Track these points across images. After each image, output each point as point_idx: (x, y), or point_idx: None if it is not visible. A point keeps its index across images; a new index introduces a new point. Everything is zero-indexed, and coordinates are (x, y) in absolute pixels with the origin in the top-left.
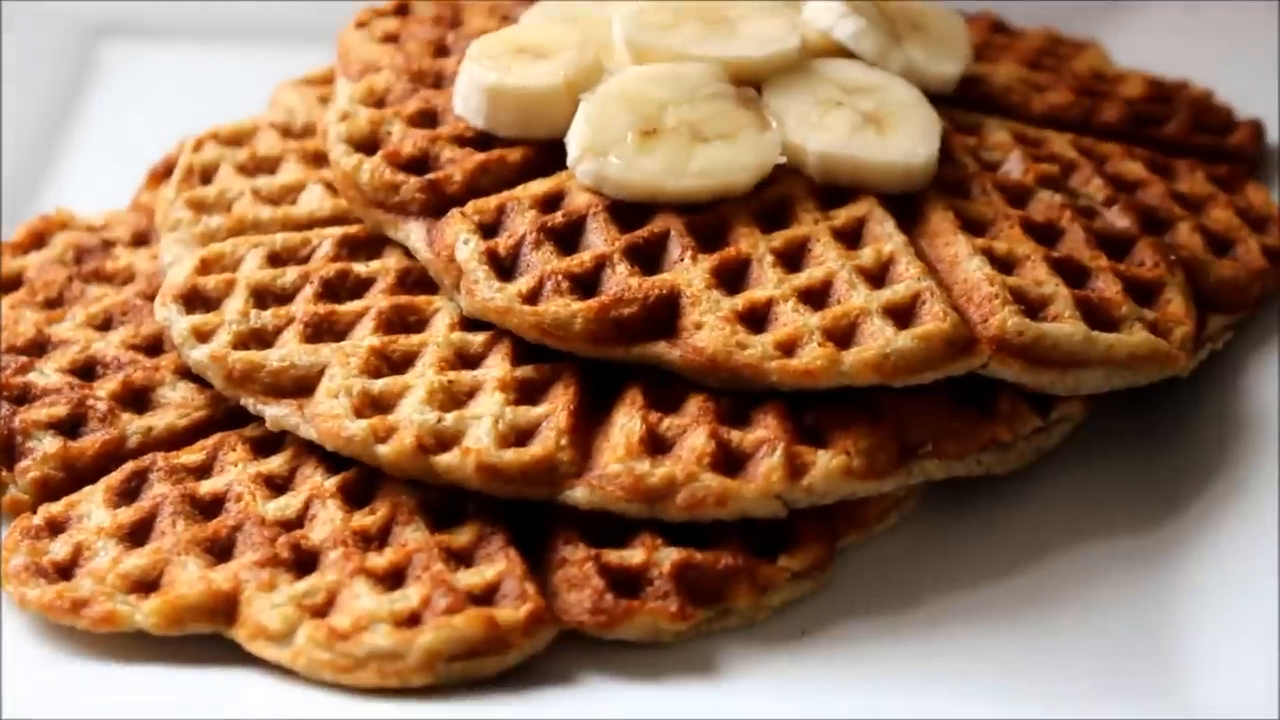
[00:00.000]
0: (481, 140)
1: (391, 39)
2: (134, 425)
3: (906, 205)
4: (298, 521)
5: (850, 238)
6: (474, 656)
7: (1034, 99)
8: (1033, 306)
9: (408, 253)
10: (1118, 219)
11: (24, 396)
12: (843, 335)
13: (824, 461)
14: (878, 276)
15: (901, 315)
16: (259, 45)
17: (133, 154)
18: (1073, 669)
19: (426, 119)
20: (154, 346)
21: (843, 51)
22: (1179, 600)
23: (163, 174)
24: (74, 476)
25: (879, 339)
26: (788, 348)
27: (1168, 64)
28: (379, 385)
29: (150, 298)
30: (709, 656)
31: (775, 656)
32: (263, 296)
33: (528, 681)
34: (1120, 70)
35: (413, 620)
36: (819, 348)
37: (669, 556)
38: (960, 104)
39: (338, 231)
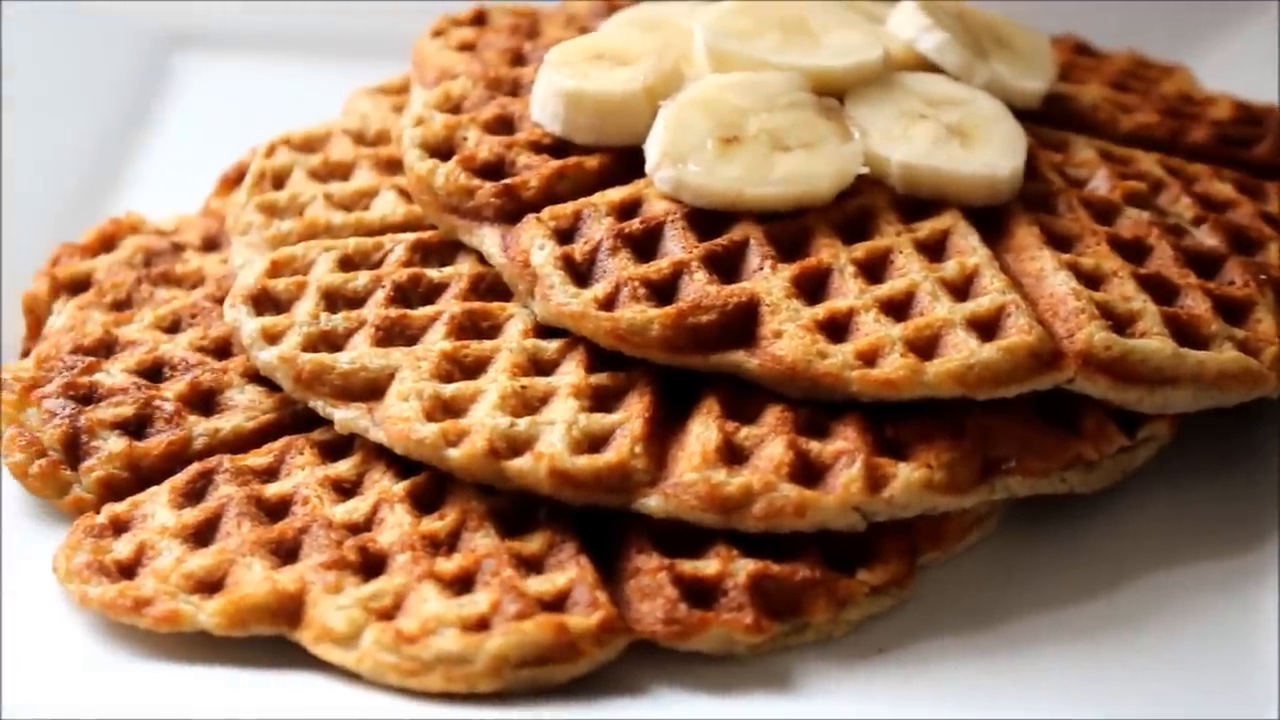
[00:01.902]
0: (558, 147)
1: (468, 48)
2: (200, 427)
3: (990, 219)
4: (365, 525)
5: (933, 250)
6: (543, 663)
7: (1121, 118)
8: (1120, 322)
9: (481, 259)
10: (1206, 238)
11: (90, 396)
12: (925, 346)
13: (905, 474)
14: (961, 289)
15: (985, 328)
16: (331, 57)
17: (204, 161)
18: (1154, 695)
19: (503, 125)
20: (222, 349)
21: (926, 65)
22: (1265, 627)
23: (234, 180)
24: (139, 477)
25: (963, 350)
26: (869, 358)
27: (1255, 91)
28: (451, 389)
29: (219, 301)
30: (784, 671)
31: (851, 673)
32: (333, 300)
33: (597, 691)
34: (1208, 93)
35: (481, 625)
36: (901, 358)
37: (745, 568)
38: (1045, 121)
39: (410, 236)
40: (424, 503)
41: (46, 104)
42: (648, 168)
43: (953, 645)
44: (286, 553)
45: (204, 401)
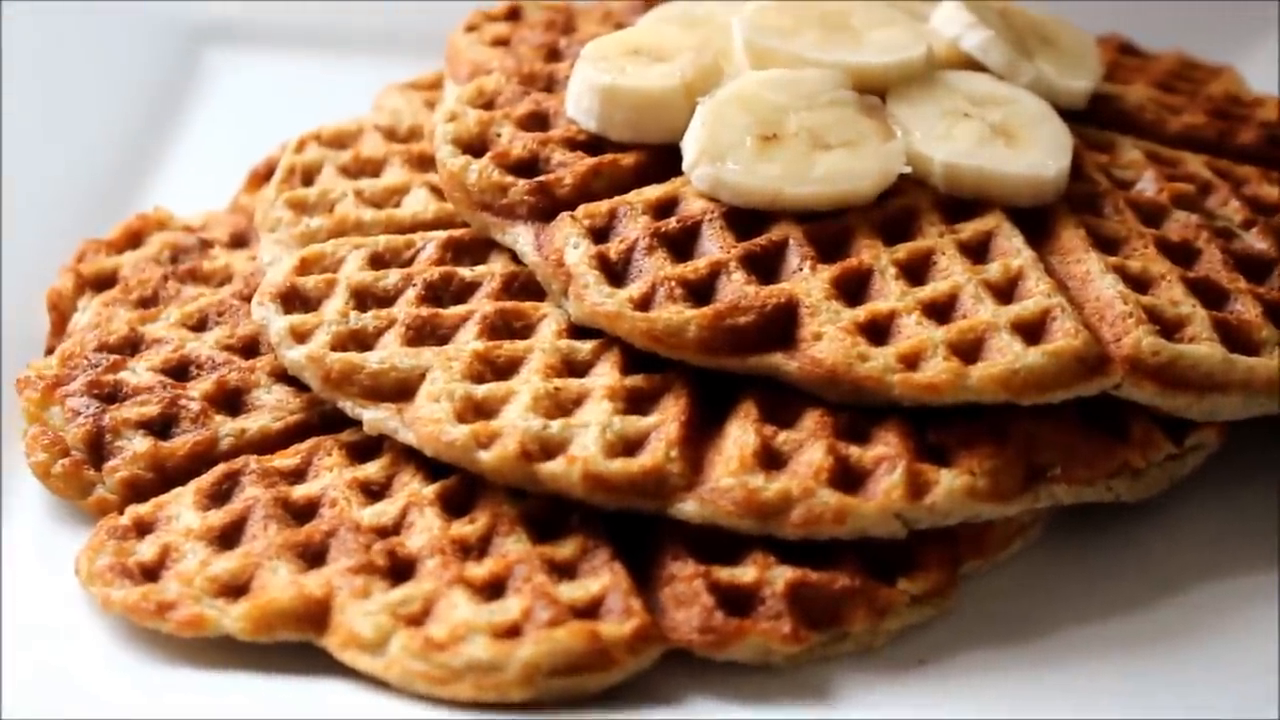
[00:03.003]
0: (593, 144)
1: (502, 43)
2: (227, 427)
3: (1035, 221)
4: (394, 529)
5: (976, 252)
6: (576, 672)
7: (1168, 119)
8: (1168, 327)
9: (514, 257)
10: (1256, 241)
11: (115, 395)
12: (969, 350)
13: (947, 481)
14: (1005, 292)
15: (1030, 332)
16: (361, 52)
17: (232, 157)
18: (1201, 708)
19: (537, 122)
20: (250, 348)
21: (969, 63)
22: None
23: (263, 176)
24: (163, 478)
25: (1007, 354)
26: (911, 361)
27: None
28: (482, 390)
29: (247, 299)
30: (822, 682)
31: (892, 685)
32: (363, 298)
33: (631, 701)
34: (1256, 95)
35: (513, 632)
36: (944, 362)
37: (782, 575)
38: (1091, 121)
39: (442, 234)
40: (454, 506)
41: (74, 98)
42: (685, 165)
43: (995, 657)
44: (313, 556)
45: (230, 401)
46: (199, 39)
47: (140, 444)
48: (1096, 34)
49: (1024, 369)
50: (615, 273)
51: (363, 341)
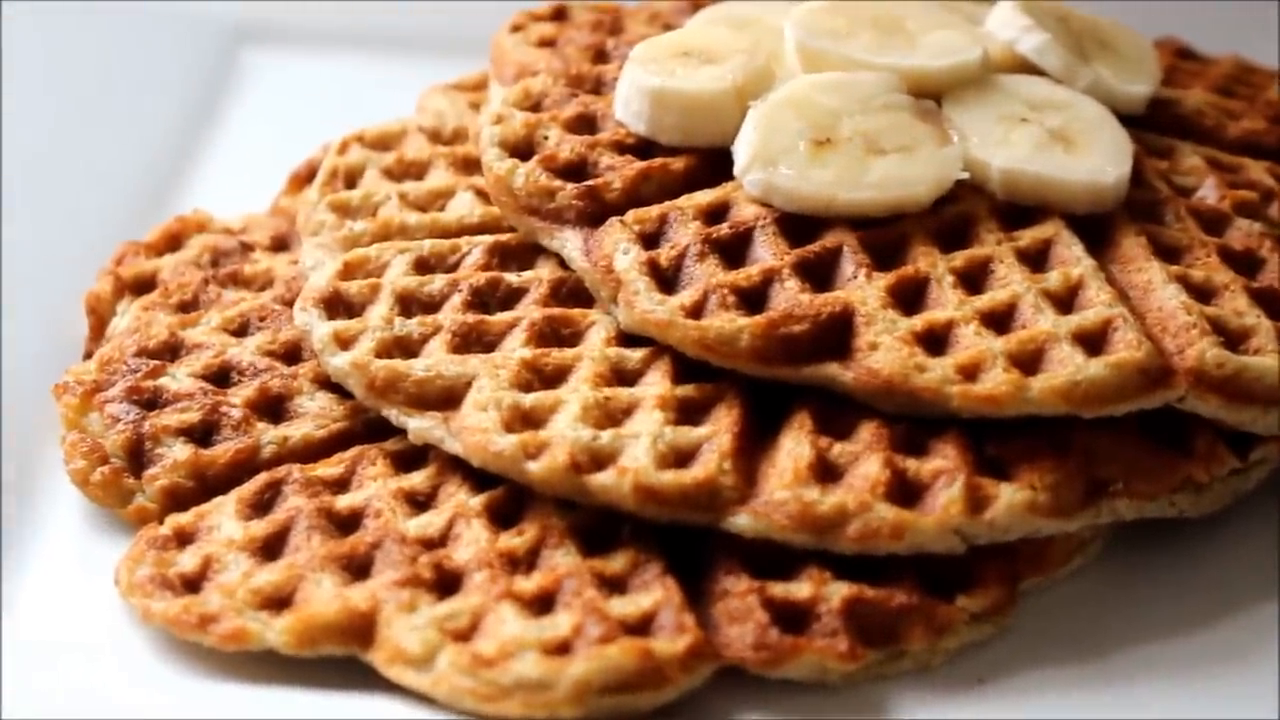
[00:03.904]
0: (643, 147)
1: (548, 43)
2: (269, 435)
3: (1094, 228)
4: (440, 541)
5: (1035, 260)
6: (628, 690)
7: (1228, 124)
8: (1233, 338)
9: (562, 263)
10: None
11: (155, 401)
12: (1029, 361)
13: (1007, 496)
14: (1065, 301)
15: (1091, 343)
16: (402, 52)
17: (272, 159)
18: None
19: (585, 125)
20: (292, 354)
21: (1026, 66)
22: None
23: (305, 178)
24: (204, 486)
25: (1068, 366)
26: (970, 372)
27: None
28: (530, 399)
29: (289, 303)
30: (879, 701)
31: (950, 705)
32: (408, 304)
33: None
34: None
35: (563, 649)
36: (1004, 373)
37: (838, 591)
38: (1149, 126)
39: (488, 239)
40: (501, 518)
41: (112, 99)
42: (736, 170)
43: (1055, 677)
44: (358, 569)
45: (273, 408)
46: (237, 39)
47: (181, 452)
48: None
49: (1086, 381)
50: (666, 279)
51: (407, 348)
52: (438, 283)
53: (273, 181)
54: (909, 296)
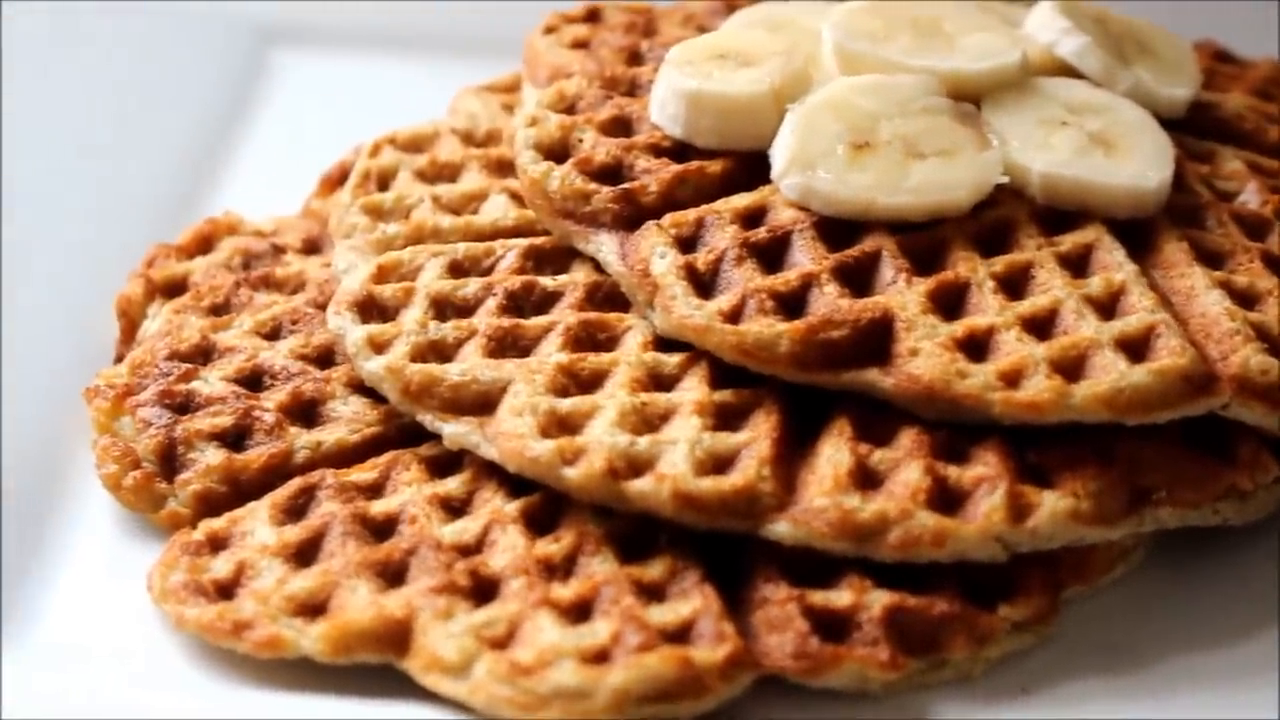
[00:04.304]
0: (679, 150)
1: (581, 45)
2: (302, 440)
3: (1136, 233)
4: (476, 547)
5: (1076, 265)
6: (667, 699)
7: (1268, 128)
8: (1276, 345)
9: (597, 266)
10: None
11: (187, 405)
12: (1071, 368)
13: (1050, 503)
14: (1107, 307)
15: (1134, 349)
16: (430, 55)
17: (302, 161)
18: None
19: (620, 127)
20: (325, 357)
21: (1065, 70)
22: None
23: (336, 180)
24: (237, 491)
25: (1111, 373)
26: (1012, 379)
27: None
28: (567, 405)
29: (322, 307)
30: (920, 711)
31: (993, 715)
32: (442, 308)
33: None
34: None
35: (601, 657)
36: (1046, 380)
37: (879, 600)
38: (1189, 130)
39: (523, 243)
40: (538, 524)
41: (141, 101)
42: (774, 174)
43: (1099, 687)
44: (393, 575)
45: (306, 412)
46: (267, 40)
47: (213, 456)
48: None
49: (1129, 388)
50: (703, 284)
51: (442, 352)
52: (472, 286)
53: (303, 184)
54: (949, 302)
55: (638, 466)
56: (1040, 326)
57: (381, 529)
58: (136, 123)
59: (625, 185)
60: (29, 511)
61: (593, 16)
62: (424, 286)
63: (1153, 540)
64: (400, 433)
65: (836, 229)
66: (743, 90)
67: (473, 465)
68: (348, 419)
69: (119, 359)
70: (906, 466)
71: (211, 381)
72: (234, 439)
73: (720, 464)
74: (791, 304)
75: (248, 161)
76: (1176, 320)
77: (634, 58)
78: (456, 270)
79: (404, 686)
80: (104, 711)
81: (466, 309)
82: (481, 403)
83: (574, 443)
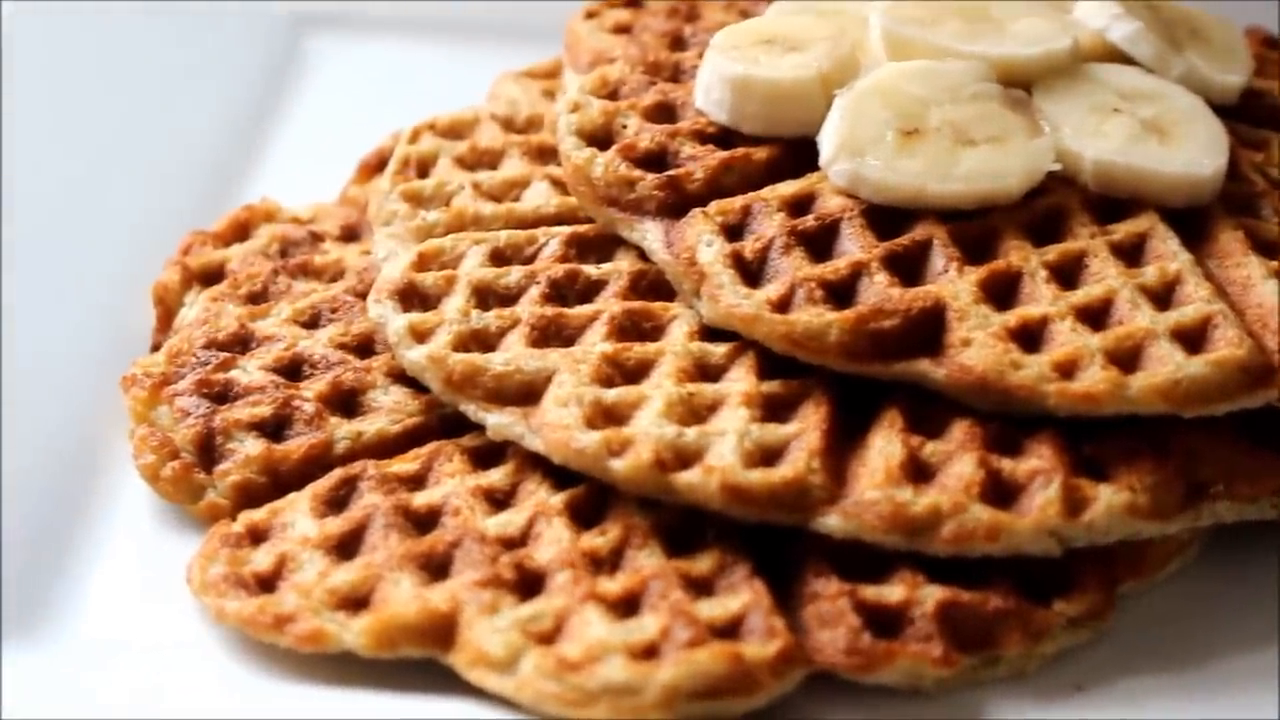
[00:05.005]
0: (724, 137)
1: (624, 30)
2: (342, 430)
3: (1190, 222)
4: (521, 540)
5: (1130, 254)
6: (717, 696)
7: None
8: None
9: (641, 255)
10: None
11: (225, 395)
12: (1127, 358)
13: (1106, 497)
14: (1162, 297)
15: (1191, 340)
16: (467, 39)
17: (338, 147)
18: None
19: (664, 113)
20: (365, 347)
21: (1116, 55)
22: None
23: (374, 166)
24: (276, 482)
25: (1168, 364)
26: (1066, 370)
27: None
28: (612, 395)
29: (361, 295)
30: (974, 708)
31: (1047, 712)
32: (485, 296)
33: None
34: None
35: (650, 652)
36: (1102, 371)
37: (932, 595)
38: (1241, 117)
39: (566, 230)
40: (583, 516)
41: (176, 87)
42: (822, 161)
43: (1155, 684)
44: (437, 568)
45: (345, 402)
46: (301, 25)
47: (252, 446)
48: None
49: (1186, 379)
50: (751, 273)
51: (485, 342)
52: (515, 275)
53: (339, 171)
54: (1001, 291)
55: (685, 458)
56: (1094, 317)
57: (424, 521)
58: (172, 110)
59: (670, 172)
60: (65, 502)
61: (634, 1)
62: (466, 274)
63: (1207, 533)
64: (442, 423)
65: (885, 217)
66: (790, 76)
67: (516, 456)
68: (388, 409)
69: (155, 347)
70: (959, 459)
71: (250, 370)
72: (273, 429)
73: (769, 456)
74: (841, 293)
75: (284, 148)
76: (1233, 310)
77: (677, 43)
78: (498, 258)
79: (447, 681)
80: (143, 707)
81: (509, 297)
82: (525, 393)
83: (621, 434)
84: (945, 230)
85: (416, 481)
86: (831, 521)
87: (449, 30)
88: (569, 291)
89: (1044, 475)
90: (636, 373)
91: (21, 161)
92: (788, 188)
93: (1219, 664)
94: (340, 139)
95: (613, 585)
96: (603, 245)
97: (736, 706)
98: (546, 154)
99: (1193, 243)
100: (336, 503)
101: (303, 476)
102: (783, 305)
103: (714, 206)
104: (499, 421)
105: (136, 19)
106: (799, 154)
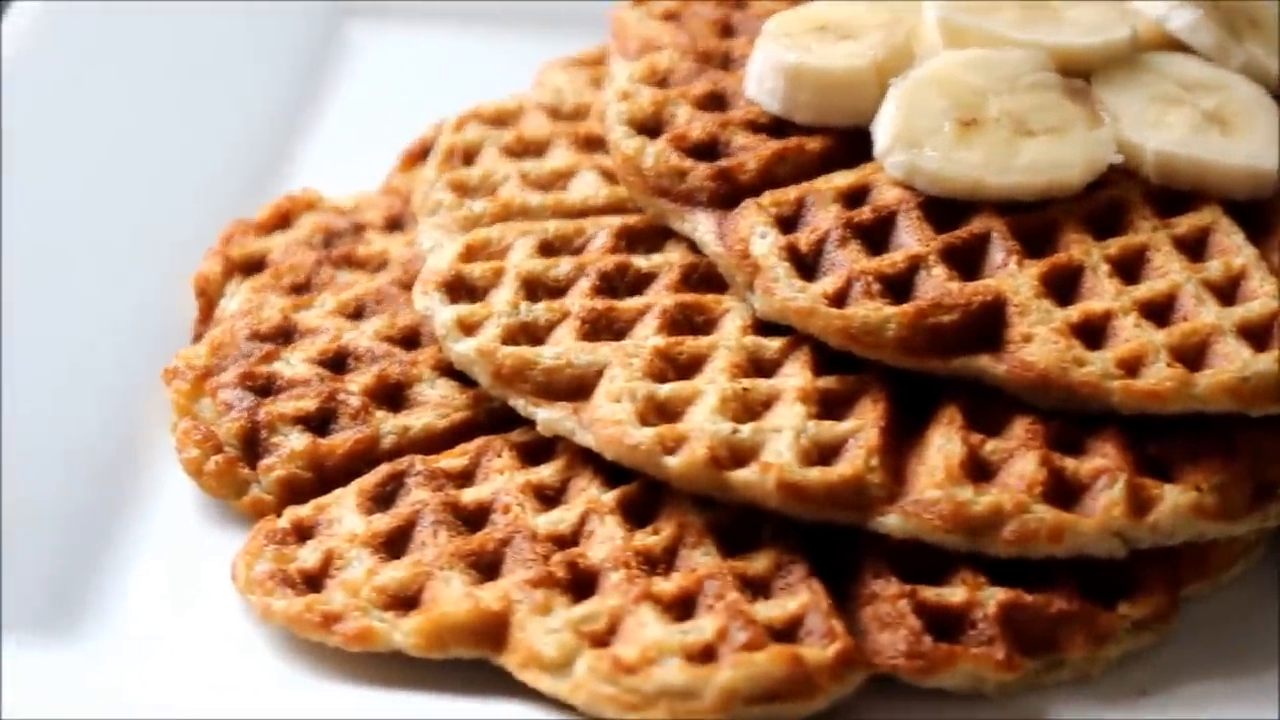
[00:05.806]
0: (776, 127)
1: (672, 17)
2: (389, 424)
3: (1252, 215)
4: (572, 538)
5: (1193, 248)
6: (776, 699)
7: None
8: None
9: (692, 247)
10: None
11: (269, 387)
12: (1192, 355)
13: (1172, 497)
14: (1227, 293)
15: (1257, 336)
16: (510, 26)
17: (380, 137)
18: None
19: (715, 102)
20: (411, 339)
21: (1175, 45)
22: None
23: (418, 155)
24: (322, 477)
25: (1235, 361)
26: (1131, 366)
27: None
28: (665, 390)
29: (406, 286)
30: (1036, 713)
31: (1111, 717)
32: (533, 288)
33: None
34: None
35: (707, 655)
36: (1167, 368)
37: (994, 597)
38: None
39: (615, 221)
40: (636, 514)
41: (217, 76)
42: (877, 151)
43: (1222, 689)
44: (487, 567)
45: (392, 396)
46: (344, 12)
47: (297, 441)
48: None
49: (1254, 377)
50: (806, 265)
51: (534, 335)
52: (564, 266)
53: (382, 160)
54: (1062, 286)
55: (741, 455)
56: (1158, 312)
57: (473, 518)
58: (215, 99)
59: (722, 162)
60: (108, 496)
61: None
62: (514, 266)
63: (1273, 536)
64: (490, 417)
65: (943, 209)
66: (843, 64)
67: (566, 452)
68: (435, 403)
69: (197, 338)
70: (1021, 457)
71: (294, 363)
72: (318, 423)
73: (826, 453)
74: (898, 287)
75: (326, 137)
76: None
77: (726, 30)
78: (547, 249)
79: (497, 681)
80: (187, 705)
81: (558, 290)
82: (576, 387)
83: (674, 430)
84: (1004, 223)
85: (465, 477)
86: (891, 521)
87: (493, 17)
88: (619, 284)
89: (1108, 475)
90: (689, 367)
91: (63, 153)
92: (843, 179)
93: None
94: (383, 128)
95: (667, 585)
96: (652, 237)
97: (795, 710)
98: (594, 143)
99: (1256, 236)
100: (384, 499)
101: (349, 472)
102: (839, 299)
103: (768, 197)
104: (550, 416)
105: (179, 8)
106: (853, 144)
